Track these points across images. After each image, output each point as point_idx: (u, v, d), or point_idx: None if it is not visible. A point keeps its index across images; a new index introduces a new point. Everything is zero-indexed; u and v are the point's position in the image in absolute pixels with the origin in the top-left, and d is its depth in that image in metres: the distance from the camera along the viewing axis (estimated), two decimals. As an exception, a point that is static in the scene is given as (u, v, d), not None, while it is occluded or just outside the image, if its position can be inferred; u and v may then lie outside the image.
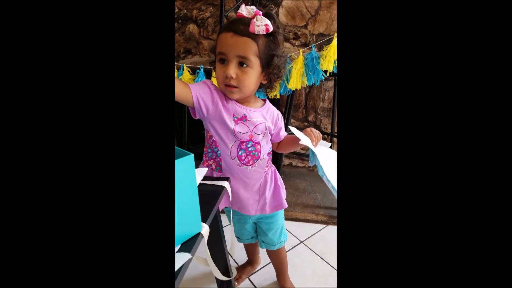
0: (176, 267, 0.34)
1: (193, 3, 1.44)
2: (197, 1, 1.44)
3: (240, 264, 0.97)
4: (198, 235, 0.44)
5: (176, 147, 0.41)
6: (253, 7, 0.55)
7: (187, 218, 0.41)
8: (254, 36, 0.52)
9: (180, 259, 0.36)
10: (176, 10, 1.46)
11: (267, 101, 0.68)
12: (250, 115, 0.61)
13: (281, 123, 0.68)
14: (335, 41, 0.82)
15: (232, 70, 0.53)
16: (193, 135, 1.28)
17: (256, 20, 0.52)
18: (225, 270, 0.73)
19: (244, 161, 0.63)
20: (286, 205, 0.72)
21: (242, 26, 0.53)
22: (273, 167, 0.71)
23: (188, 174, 0.39)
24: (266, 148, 0.65)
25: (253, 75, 0.55)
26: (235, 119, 0.60)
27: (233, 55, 0.53)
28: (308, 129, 0.65)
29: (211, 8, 1.44)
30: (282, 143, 0.71)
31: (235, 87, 0.55)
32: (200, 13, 1.45)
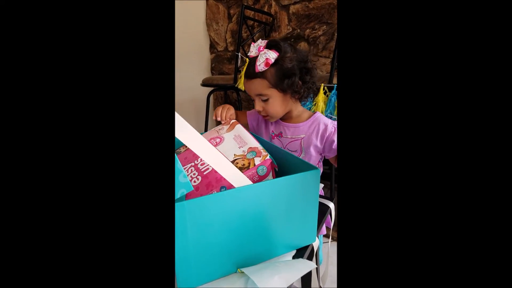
0: (302, 274, 0.39)
1: (307, 22, 1.56)
2: (312, 20, 1.55)
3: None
4: (309, 246, 0.49)
5: (303, 160, 0.47)
6: (258, 42, 0.63)
7: (306, 227, 0.46)
8: (261, 74, 0.63)
9: (306, 266, 0.40)
10: (290, 30, 1.62)
11: (317, 113, 0.71)
12: (286, 132, 0.70)
13: (334, 136, 0.66)
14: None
15: (257, 106, 0.68)
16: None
17: (259, 57, 0.62)
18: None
19: None
20: (325, 232, 0.75)
21: (251, 69, 0.64)
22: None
23: (313, 186, 0.44)
24: None
25: (275, 103, 0.66)
26: (273, 135, 0.72)
27: (253, 95, 0.67)
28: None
29: (325, 26, 1.51)
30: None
31: (266, 115, 0.69)
32: (313, 31, 1.55)
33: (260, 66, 0.62)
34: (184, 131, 0.33)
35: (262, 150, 0.51)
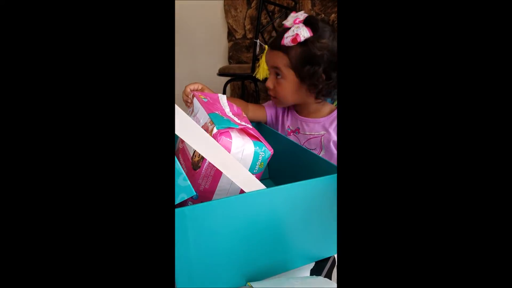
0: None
1: (332, 6, 1.45)
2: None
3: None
4: (330, 258, 0.43)
5: (328, 161, 0.41)
6: (299, 13, 0.55)
7: (327, 237, 0.41)
8: (285, 48, 0.56)
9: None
10: (313, 15, 1.51)
11: None
12: (304, 128, 0.63)
13: None
14: None
15: (269, 81, 0.61)
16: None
17: (290, 30, 0.54)
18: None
19: None
20: None
21: (278, 40, 0.57)
22: None
23: (332, 192, 0.38)
24: None
25: (287, 86, 0.59)
26: (289, 130, 0.66)
27: (270, 67, 0.61)
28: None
29: (352, 10, 1.40)
30: None
31: (275, 97, 0.62)
32: (339, 16, 1.44)
33: (287, 39, 0.55)
34: (185, 127, 0.28)
35: (209, 123, 0.38)
